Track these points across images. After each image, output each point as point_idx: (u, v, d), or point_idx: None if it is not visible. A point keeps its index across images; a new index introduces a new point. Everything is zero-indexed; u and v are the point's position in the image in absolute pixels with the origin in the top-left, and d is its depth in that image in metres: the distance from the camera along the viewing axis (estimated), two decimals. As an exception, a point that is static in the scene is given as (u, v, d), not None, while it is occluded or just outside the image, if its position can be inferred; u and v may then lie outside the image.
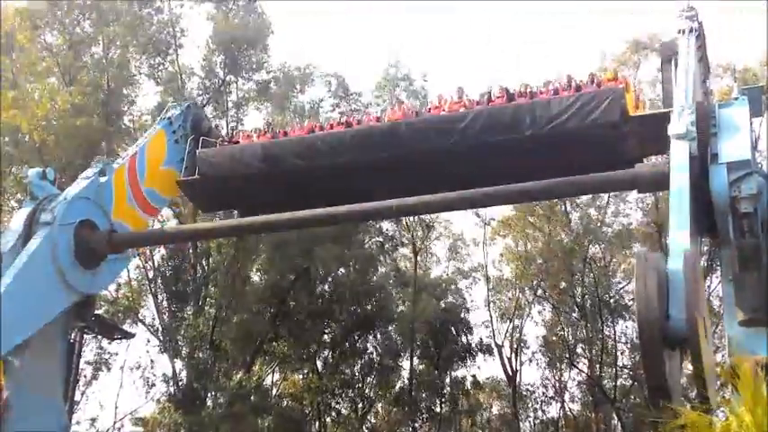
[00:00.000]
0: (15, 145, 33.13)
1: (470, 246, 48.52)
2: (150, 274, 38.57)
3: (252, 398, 36.33)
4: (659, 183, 16.16)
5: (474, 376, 45.64)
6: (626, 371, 43.69)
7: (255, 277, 40.95)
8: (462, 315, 45.48)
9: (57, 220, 18.24)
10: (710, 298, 33.91)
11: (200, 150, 22.31)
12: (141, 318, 38.47)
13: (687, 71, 16.60)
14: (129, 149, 22.08)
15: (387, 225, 43.48)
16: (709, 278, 34.05)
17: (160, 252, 38.93)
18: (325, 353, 44.00)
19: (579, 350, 44.98)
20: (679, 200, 13.45)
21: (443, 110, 20.41)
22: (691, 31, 17.92)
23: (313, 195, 22.32)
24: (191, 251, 38.02)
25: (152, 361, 38.89)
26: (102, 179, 19.78)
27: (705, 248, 30.29)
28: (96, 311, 22.46)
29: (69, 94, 32.33)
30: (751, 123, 15.70)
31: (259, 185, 21.83)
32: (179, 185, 22.38)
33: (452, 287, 46.79)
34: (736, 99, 15.93)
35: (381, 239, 43.20)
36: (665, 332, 10.91)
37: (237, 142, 23.13)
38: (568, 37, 77.22)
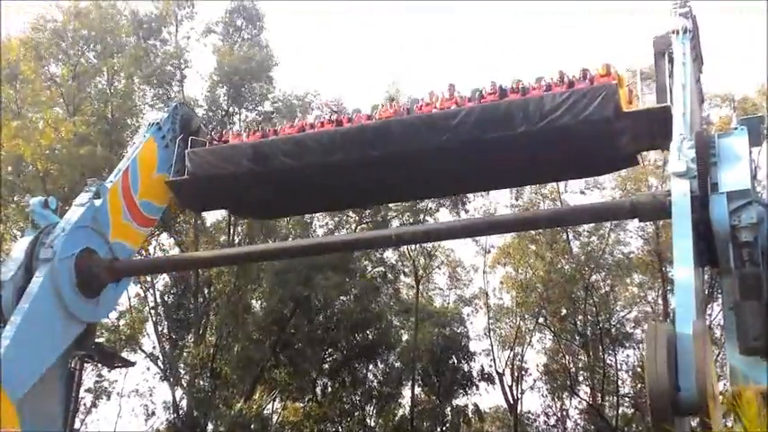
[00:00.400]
0: (18, 174, 33.27)
1: (471, 272, 48.61)
2: (152, 303, 38.63)
3: (252, 426, 36.20)
4: (659, 212, 16.30)
5: (476, 404, 45.49)
6: (627, 399, 43.49)
7: (256, 305, 40.96)
8: (463, 343, 45.38)
9: (56, 256, 18.32)
10: (712, 327, 33.86)
11: (189, 150, 21.97)
12: (140, 345, 38.40)
13: (684, 89, 16.61)
14: (120, 163, 21.72)
15: (388, 252, 43.56)
16: (710, 306, 34.03)
17: (164, 280, 38.97)
18: (326, 381, 43.87)
19: (581, 378, 44.81)
20: (682, 246, 13.76)
21: (435, 107, 20.06)
22: (685, 32, 17.81)
23: (304, 194, 22.23)
24: (192, 279, 38.04)
25: (152, 389, 38.99)
26: (98, 202, 19.73)
27: (706, 277, 30.33)
28: (96, 339, 22.51)
29: (73, 123, 32.54)
30: (750, 153, 15.81)
31: (249, 184, 21.53)
32: (168, 186, 22.02)
33: (455, 315, 46.74)
34: (735, 129, 16.04)
35: (384, 269, 43.18)
36: (675, 404, 11.44)
37: (227, 141, 22.82)
38: (568, 37, 77.55)
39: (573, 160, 19.70)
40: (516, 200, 43.45)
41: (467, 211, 41.69)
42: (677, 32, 17.80)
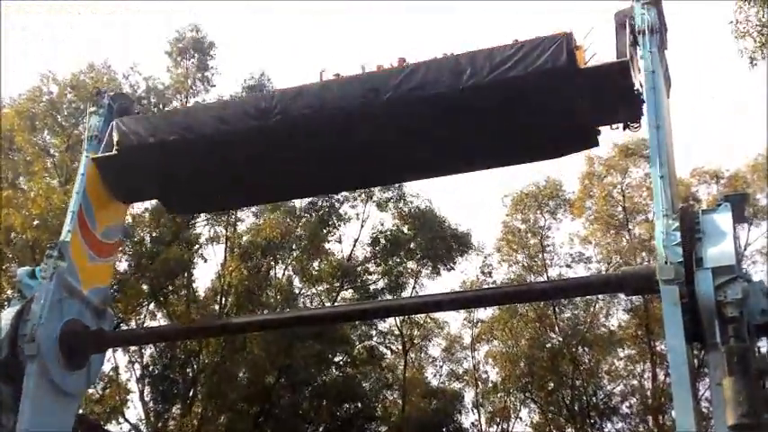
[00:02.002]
0: (7, 243, 33.20)
1: (458, 347, 48.33)
2: (138, 373, 38.25)
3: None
4: (645, 287, 16.40)
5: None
6: (617, 475, 43.04)
7: (242, 375, 40.55)
8: (455, 417, 44.93)
9: (40, 349, 17.99)
10: (700, 402, 33.73)
11: (116, 120, 19.36)
12: (124, 416, 37.87)
13: (659, 130, 15.56)
14: (71, 204, 19.13)
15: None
16: (698, 382, 33.97)
17: (150, 349, 38.65)
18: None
19: (569, 453, 44.34)
20: (679, 373, 13.97)
21: None
22: (652, 32, 16.24)
23: (241, 174, 19.36)
24: (179, 349, 37.78)
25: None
26: (63, 264, 18.12)
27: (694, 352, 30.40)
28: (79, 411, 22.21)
29: (64, 192, 32.63)
30: (735, 229, 16.06)
31: (179, 157, 18.79)
32: (95, 163, 19.22)
33: (445, 386, 46.47)
34: (719, 205, 16.28)
35: (370, 343, 42.98)
36: None
37: None
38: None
39: (526, 132, 17.92)
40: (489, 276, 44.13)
41: (449, 270, 42.13)
42: (643, 33, 16.32)
